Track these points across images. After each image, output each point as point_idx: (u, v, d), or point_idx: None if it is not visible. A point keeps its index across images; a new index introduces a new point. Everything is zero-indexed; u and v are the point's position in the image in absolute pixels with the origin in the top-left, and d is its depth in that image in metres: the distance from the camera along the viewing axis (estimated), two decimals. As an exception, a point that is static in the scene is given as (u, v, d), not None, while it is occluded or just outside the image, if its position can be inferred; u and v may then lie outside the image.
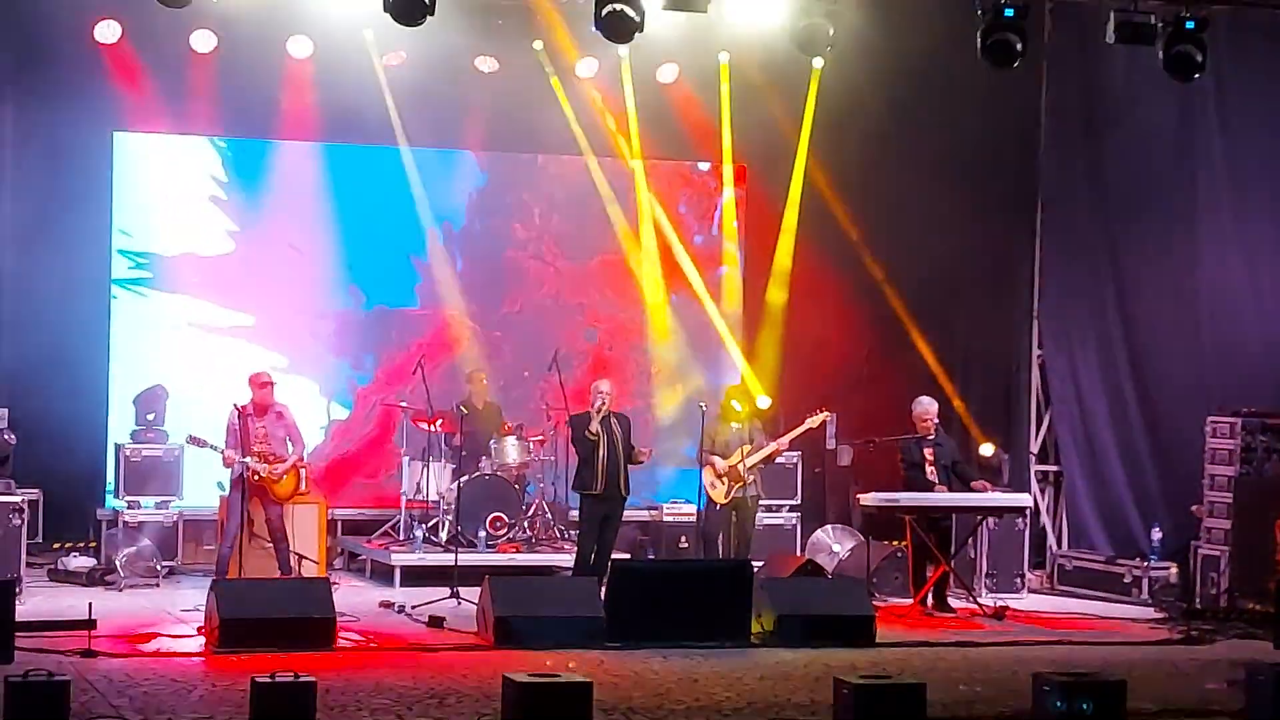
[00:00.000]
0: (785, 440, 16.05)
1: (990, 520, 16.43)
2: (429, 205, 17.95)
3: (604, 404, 15.31)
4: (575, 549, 15.66)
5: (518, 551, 16.37)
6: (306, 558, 15.48)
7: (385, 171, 17.83)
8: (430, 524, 16.60)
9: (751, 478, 15.87)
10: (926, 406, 15.91)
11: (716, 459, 15.98)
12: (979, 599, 15.86)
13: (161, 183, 17.42)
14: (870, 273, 18.40)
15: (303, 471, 15.28)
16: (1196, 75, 15.12)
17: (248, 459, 14.69)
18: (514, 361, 18.19)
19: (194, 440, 14.90)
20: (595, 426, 15.21)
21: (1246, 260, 16.58)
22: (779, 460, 16.71)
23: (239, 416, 14.78)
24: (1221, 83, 16.32)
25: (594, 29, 14.59)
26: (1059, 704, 10.15)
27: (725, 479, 15.91)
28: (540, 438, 17.16)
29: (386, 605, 14.83)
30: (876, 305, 18.43)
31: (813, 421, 15.77)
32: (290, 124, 17.37)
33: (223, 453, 14.76)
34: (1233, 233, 16.67)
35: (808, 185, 18.29)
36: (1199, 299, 16.90)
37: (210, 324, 17.52)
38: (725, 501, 15.96)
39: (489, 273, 18.33)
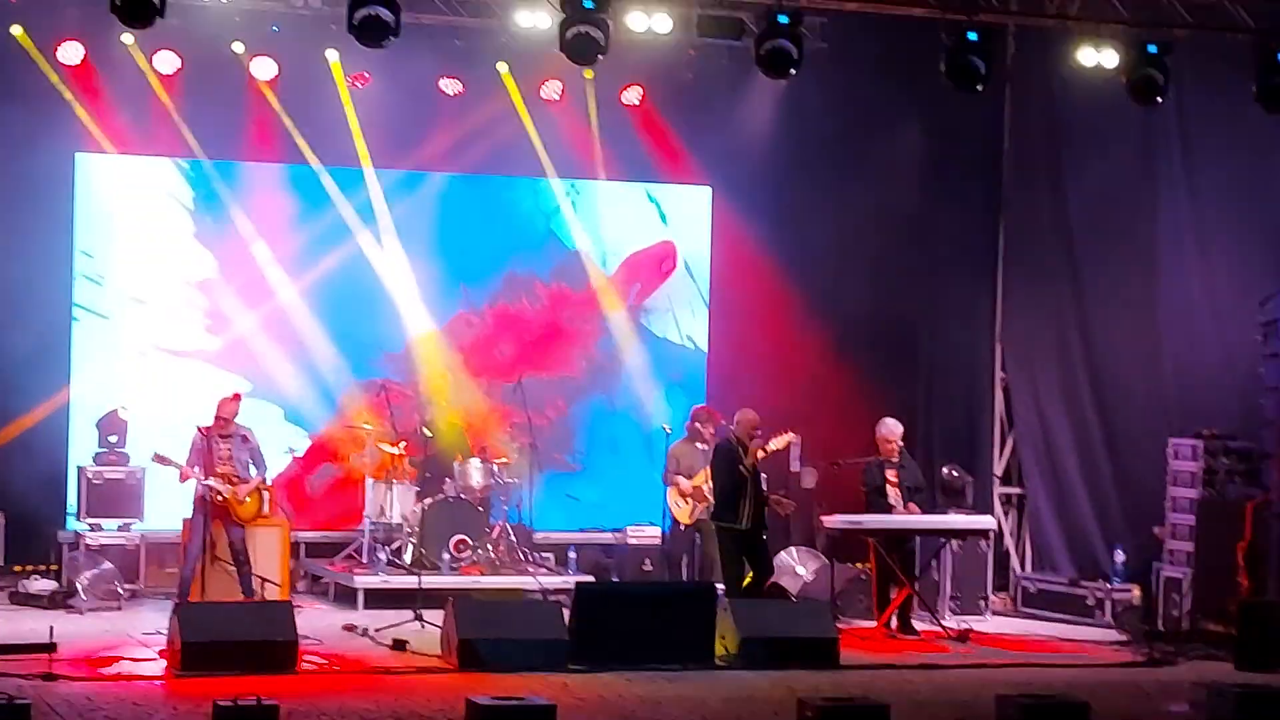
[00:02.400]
0: (749, 461, 16.04)
1: (954, 542, 16.45)
2: (394, 227, 17.94)
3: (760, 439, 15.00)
4: (711, 576, 15.64)
5: (482, 574, 16.33)
6: (269, 581, 15.42)
7: (351, 192, 17.81)
8: (394, 547, 16.55)
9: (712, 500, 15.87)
10: (891, 428, 15.93)
11: (681, 479, 15.98)
12: (942, 621, 15.88)
13: (124, 205, 17.37)
14: (834, 294, 18.46)
15: (265, 494, 15.22)
16: (1159, 99, 15.22)
17: (210, 480, 14.64)
18: (478, 385, 18.15)
19: (159, 459, 14.84)
20: (750, 461, 14.97)
21: (1207, 283, 16.65)
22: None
23: (203, 438, 14.73)
24: (1183, 106, 16.40)
25: (559, 50, 14.58)
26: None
27: (690, 499, 15.91)
28: (504, 460, 17.12)
29: (350, 628, 14.78)
30: (840, 327, 18.48)
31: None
32: (254, 146, 17.36)
33: (180, 468, 14.68)
34: (1194, 255, 16.75)
35: (772, 205, 18.33)
36: (1160, 321, 16.97)
37: (172, 347, 17.46)
38: (690, 522, 15.96)
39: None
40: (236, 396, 15.16)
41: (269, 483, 15.46)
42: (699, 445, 16.14)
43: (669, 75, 17.74)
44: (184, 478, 14.76)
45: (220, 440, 14.82)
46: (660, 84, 17.87)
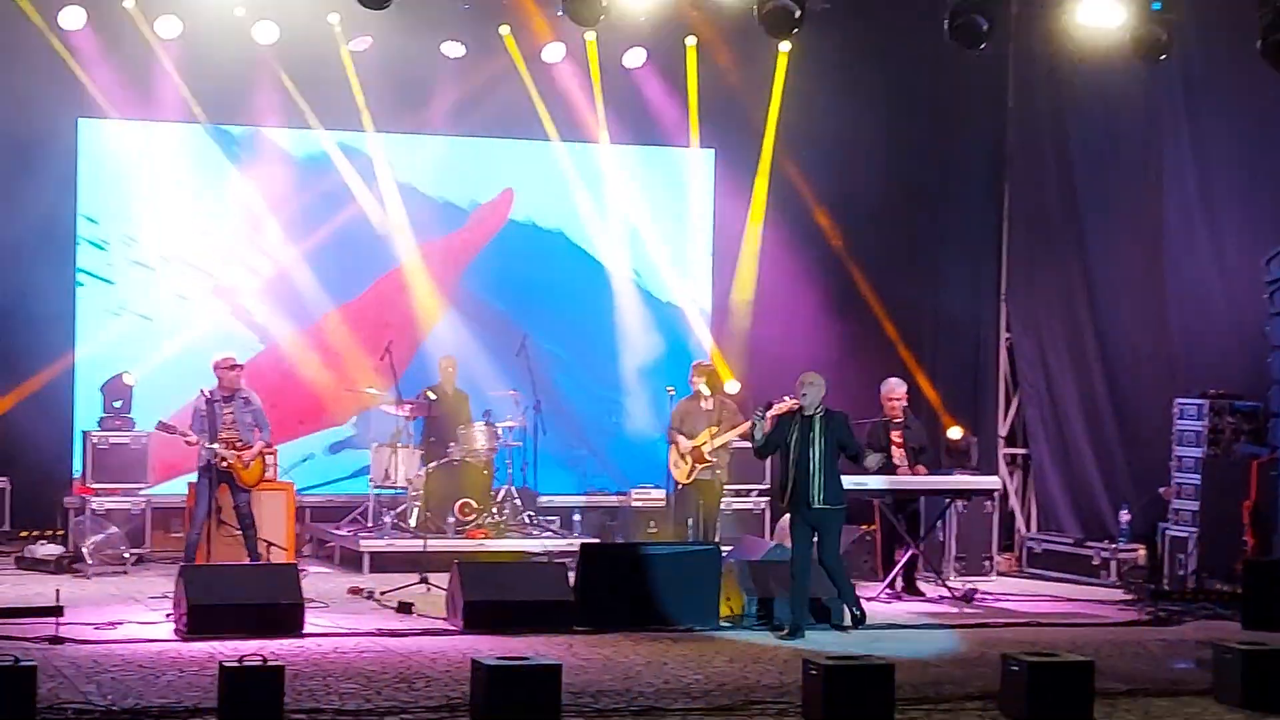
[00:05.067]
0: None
1: (959, 503, 16.45)
2: (397, 188, 17.93)
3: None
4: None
5: (486, 537, 16.35)
6: (275, 545, 15.43)
7: (354, 155, 17.80)
8: (399, 510, 16.57)
9: (716, 459, 15.88)
10: (894, 387, 15.90)
11: (681, 439, 15.99)
12: (948, 582, 15.89)
13: (127, 170, 17.36)
14: (837, 255, 18.44)
15: (269, 457, 15.21)
16: (1162, 56, 15.15)
17: (215, 446, 14.61)
18: (482, 347, 18.15)
19: (163, 427, 14.83)
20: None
21: (1214, 241, 16.59)
22: (748, 445, 16.70)
23: (206, 402, 14.70)
24: (1187, 64, 16.33)
25: (560, 12, 14.56)
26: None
27: (688, 458, 15.92)
28: (509, 423, 17.13)
29: (355, 591, 14.79)
30: (844, 287, 18.48)
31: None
32: (256, 110, 17.33)
33: (184, 436, 14.65)
34: (1200, 213, 16.68)
35: (775, 168, 18.31)
36: (1167, 280, 16.92)
37: (177, 310, 17.47)
38: (688, 481, 15.97)
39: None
40: (231, 363, 14.96)
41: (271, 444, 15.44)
42: (701, 403, 16.13)
43: (671, 38, 17.68)
44: (189, 444, 14.72)
45: (223, 403, 14.76)
46: (663, 46, 17.81)
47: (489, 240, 18.51)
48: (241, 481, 14.79)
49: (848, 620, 13.45)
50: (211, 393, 14.75)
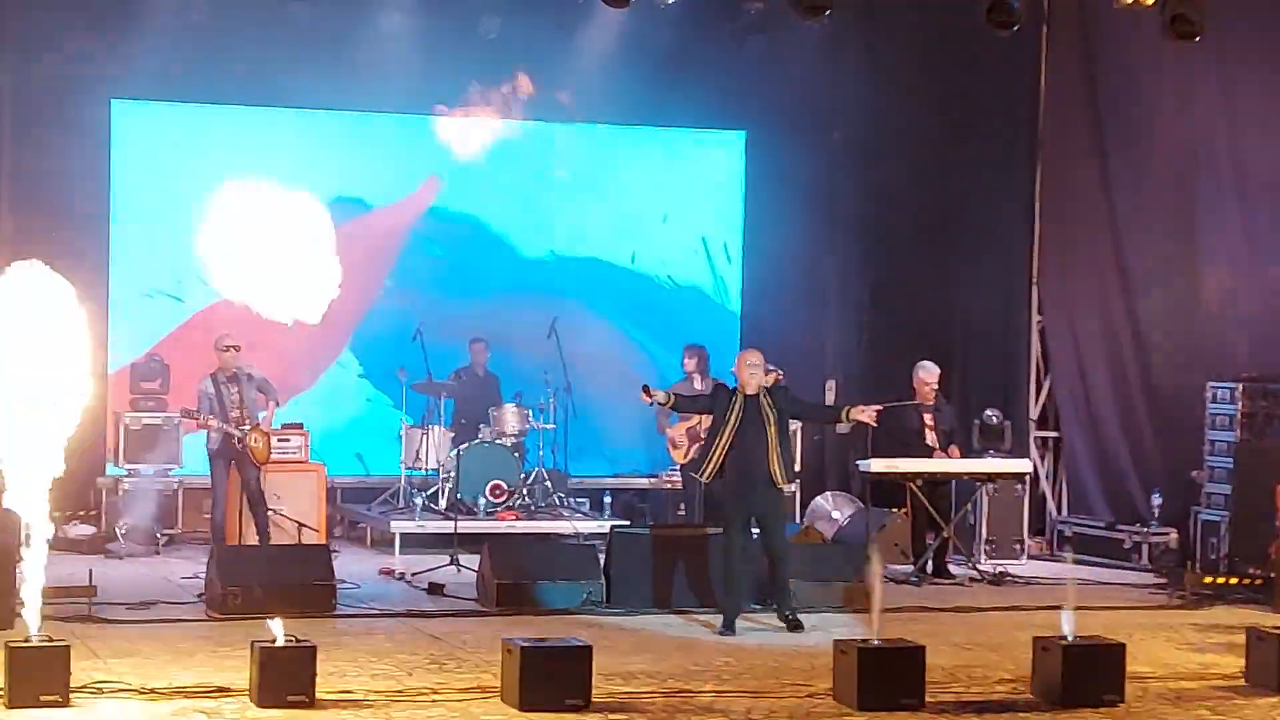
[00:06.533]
0: None
1: (990, 486, 16.42)
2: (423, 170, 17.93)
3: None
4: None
5: (517, 519, 16.37)
6: (306, 525, 15.48)
7: (387, 137, 17.81)
8: (430, 492, 16.60)
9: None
10: (928, 371, 15.88)
11: (669, 425, 16.08)
12: (978, 565, 15.87)
13: (159, 149, 17.37)
14: (870, 237, 18.40)
15: (296, 438, 15.31)
16: (1197, 37, 15.07)
17: (228, 427, 14.55)
18: (512, 329, 18.14)
19: (187, 414, 14.81)
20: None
21: (1247, 224, 16.52)
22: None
23: (212, 384, 14.66)
24: (1223, 43, 16.23)
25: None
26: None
27: (685, 437, 15.96)
28: (540, 404, 17.14)
29: (386, 572, 14.84)
30: (876, 270, 18.45)
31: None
32: (291, 89, 17.28)
33: (204, 422, 14.60)
34: (1234, 195, 16.60)
35: (806, 149, 18.25)
36: (1200, 262, 16.84)
37: (209, 291, 17.47)
38: (684, 461, 16.04)
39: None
40: (229, 344, 14.80)
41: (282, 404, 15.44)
42: (696, 384, 16.16)
43: (703, 18, 17.62)
44: (211, 429, 14.66)
45: (228, 385, 14.71)
46: (694, 27, 17.75)
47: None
48: (253, 459, 14.72)
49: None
50: (215, 375, 14.71)
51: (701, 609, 13.19)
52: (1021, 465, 16.40)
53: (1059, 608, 13.65)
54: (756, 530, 12.99)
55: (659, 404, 13.07)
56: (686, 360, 16.34)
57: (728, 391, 12.89)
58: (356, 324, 17.84)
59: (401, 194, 18.09)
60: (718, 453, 12.67)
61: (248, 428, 14.65)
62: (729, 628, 12.55)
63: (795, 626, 12.68)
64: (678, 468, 16.56)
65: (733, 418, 12.65)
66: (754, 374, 12.70)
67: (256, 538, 14.77)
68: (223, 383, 14.70)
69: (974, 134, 18.29)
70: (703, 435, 15.69)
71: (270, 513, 15.01)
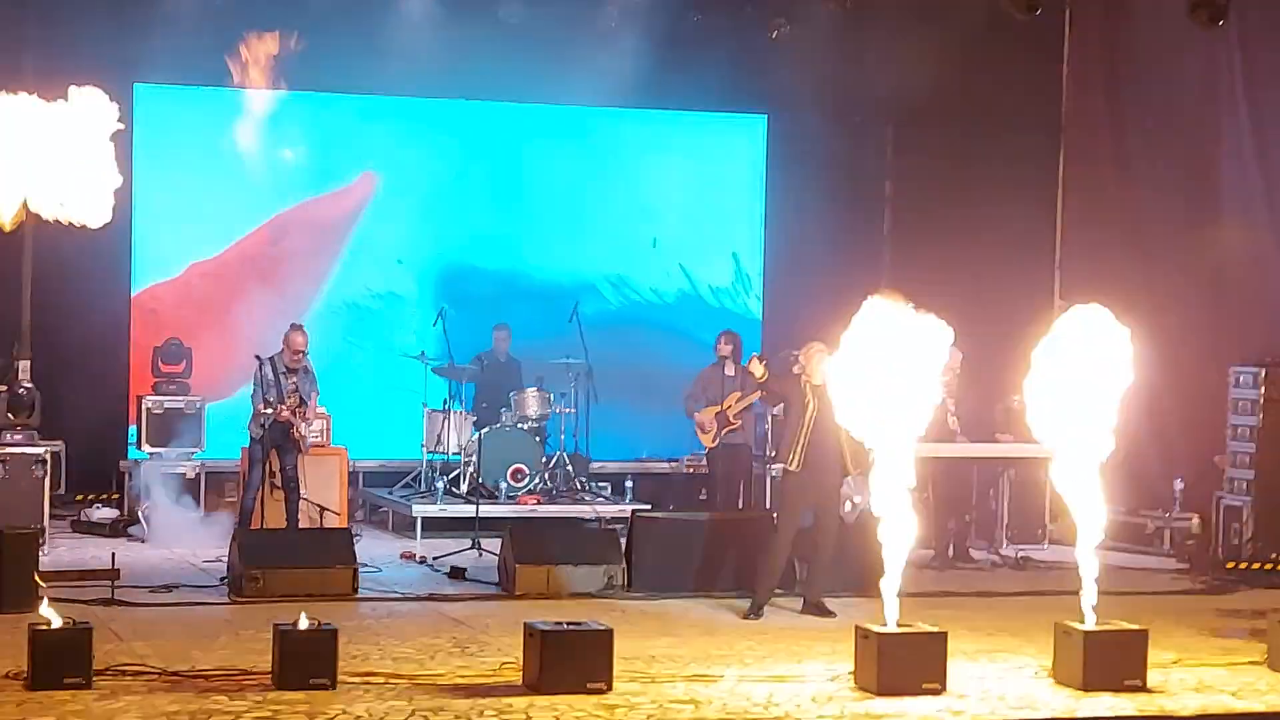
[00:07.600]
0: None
1: (1011, 471, 16.38)
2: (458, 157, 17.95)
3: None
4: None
5: (539, 503, 16.38)
6: (329, 509, 15.51)
7: (407, 120, 17.81)
8: (451, 475, 16.61)
9: (740, 422, 15.88)
10: (951, 356, 15.83)
11: (698, 409, 16.08)
12: (1000, 550, 15.84)
13: (182, 134, 17.40)
14: (891, 219, 18.39)
15: (319, 422, 15.30)
16: (1220, 22, 15.01)
17: (286, 415, 14.51)
18: (533, 314, 18.16)
19: (281, 417, 14.53)
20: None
21: (1270, 208, 16.46)
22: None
23: (272, 371, 14.59)
24: (1246, 29, 16.18)
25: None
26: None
27: (715, 421, 15.97)
28: (561, 390, 17.15)
29: (408, 556, 14.86)
30: (897, 253, 18.42)
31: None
32: (312, 74, 17.27)
33: (281, 415, 14.52)
34: (1257, 179, 16.54)
35: (827, 134, 18.22)
36: (1222, 247, 16.79)
37: (232, 275, 17.52)
38: (713, 445, 16.03)
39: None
40: (303, 341, 14.87)
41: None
42: (726, 369, 16.16)
43: (724, 2, 17.61)
44: (280, 418, 14.54)
45: (288, 374, 14.67)
46: (716, 11, 17.73)
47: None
48: (301, 448, 14.71)
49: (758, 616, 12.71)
50: (274, 360, 14.66)
51: (723, 593, 13.16)
52: (1043, 450, 16.32)
53: (1079, 593, 13.71)
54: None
55: (757, 377, 13.17)
56: (722, 345, 16.32)
57: (799, 381, 12.95)
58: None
59: (424, 176, 18.09)
60: (801, 441, 12.73)
61: (296, 417, 14.60)
62: (758, 612, 12.56)
63: (823, 612, 12.69)
64: (704, 451, 16.56)
65: (810, 407, 12.74)
66: (821, 363, 12.70)
67: (284, 522, 14.76)
68: (282, 371, 14.60)
69: (997, 117, 18.24)
70: (732, 420, 15.75)
71: (303, 500, 15.02)
